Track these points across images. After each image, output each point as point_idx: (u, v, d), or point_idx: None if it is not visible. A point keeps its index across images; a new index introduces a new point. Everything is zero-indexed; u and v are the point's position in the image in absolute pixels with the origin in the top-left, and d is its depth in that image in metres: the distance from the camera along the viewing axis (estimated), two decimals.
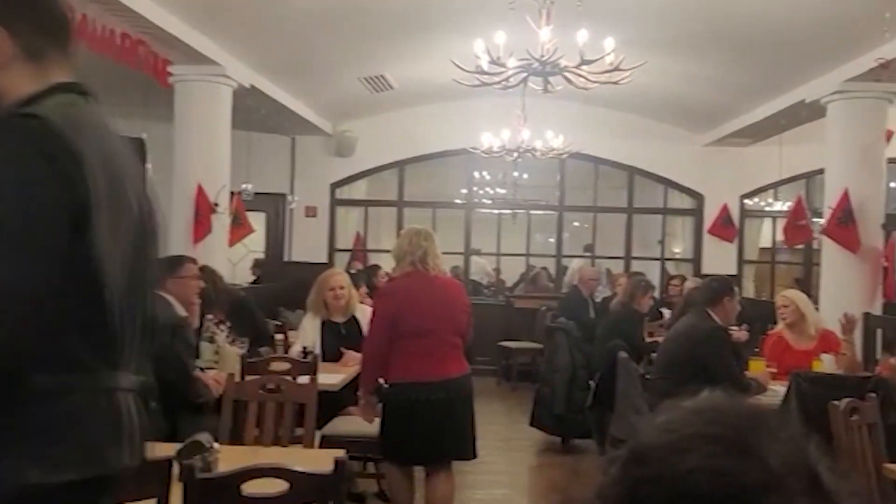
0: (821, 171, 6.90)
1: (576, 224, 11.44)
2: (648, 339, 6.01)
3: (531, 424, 6.06)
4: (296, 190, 9.76)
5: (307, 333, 4.57)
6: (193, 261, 4.15)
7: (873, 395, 3.29)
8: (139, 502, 1.87)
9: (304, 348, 4.43)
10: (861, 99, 6.13)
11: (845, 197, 6.10)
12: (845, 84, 6.05)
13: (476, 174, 10.38)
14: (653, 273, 9.76)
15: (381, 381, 3.74)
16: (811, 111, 6.77)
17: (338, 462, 2.02)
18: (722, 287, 4.32)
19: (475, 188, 10.58)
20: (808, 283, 8.94)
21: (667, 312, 6.77)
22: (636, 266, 9.54)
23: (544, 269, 10.56)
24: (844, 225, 6.10)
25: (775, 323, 5.01)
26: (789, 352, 4.74)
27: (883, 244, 6.42)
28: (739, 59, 6.57)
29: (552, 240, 10.42)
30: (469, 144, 7.68)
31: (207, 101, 6.47)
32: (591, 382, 5.39)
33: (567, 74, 4.65)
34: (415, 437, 3.62)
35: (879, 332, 6.21)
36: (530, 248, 10.35)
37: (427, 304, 3.66)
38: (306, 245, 9.72)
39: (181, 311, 3.81)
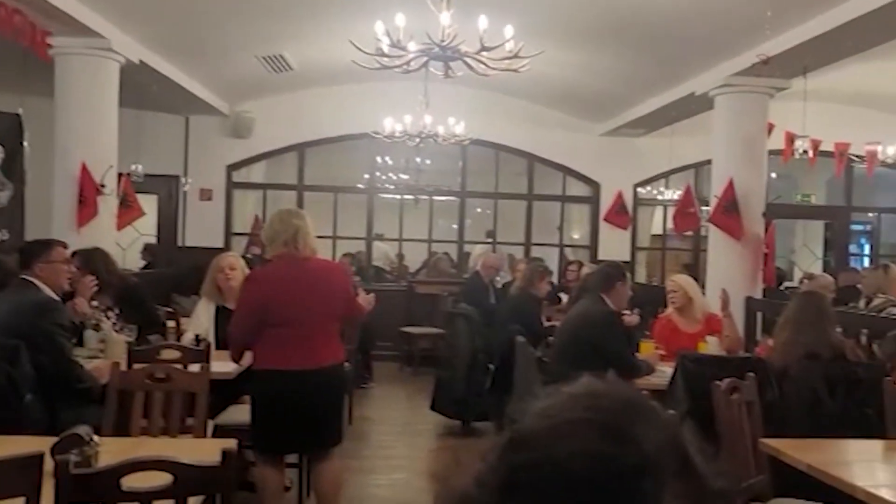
0: (708, 162, 7.23)
1: (478, 210, 11.55)
2: (547, 324, 6.14)
3: (432, 408, 6.10)
4: (190, 172, 9.41)
5: (200, 320, 4.41)
6: (63, 245, 3.92)
7: (752, 374, 3.46)
8: (7, 500, 1.75)
9: (197, 336, 4.27)
10: (745, 93, 6.44)
11: (730, 186, 6.40)
12: (731, 78, 6.34)
13: (378, 159, 10.30)
14: (552, 259, 9.99)
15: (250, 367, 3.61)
16: (700, 103, 7.07)
17: (225, 453, 1.95)
18: (615, 273, 4.45)
19: (377, 173, 10.49)
20: (696, 269, 9.35)
21: (565, 297, 6.95)
22: (536, 252, 9.75)
23: (446, 254, 10.62)
24: (729, 213, 6.41)
25: (665, 307, 5.21)
26: (677, 334, 4.94)
27: (764, 232, 6.80)
28: (633, 51, 6.78)
29: (455, 226, 10.48)
30: (371, 129, 7.60)
31: (91, 77, 6.12)
32: (491, 366, 5.46)
33: (467, 60, 4.66)
34: (284, 427, 3.48)
35: (760, 315, 6.57)
36: (433, 234, 10.38)
37: (298, 291, 3.47)
38: (201, 229, 9.40)
39: (52, 296, 3.61)
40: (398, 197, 10.71)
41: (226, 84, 8.58)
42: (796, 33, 5.31)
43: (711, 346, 4.62)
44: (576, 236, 10.50)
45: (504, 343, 4.91)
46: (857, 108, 8.71)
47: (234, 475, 2.13)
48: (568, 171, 10.02)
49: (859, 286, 7.46)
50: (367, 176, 10.22)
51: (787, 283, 9.89)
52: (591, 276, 5.00)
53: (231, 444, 2.68)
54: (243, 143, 9.46)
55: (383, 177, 10.93)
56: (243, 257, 5.24)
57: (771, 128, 6.65)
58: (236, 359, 3.65)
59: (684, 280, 5.21)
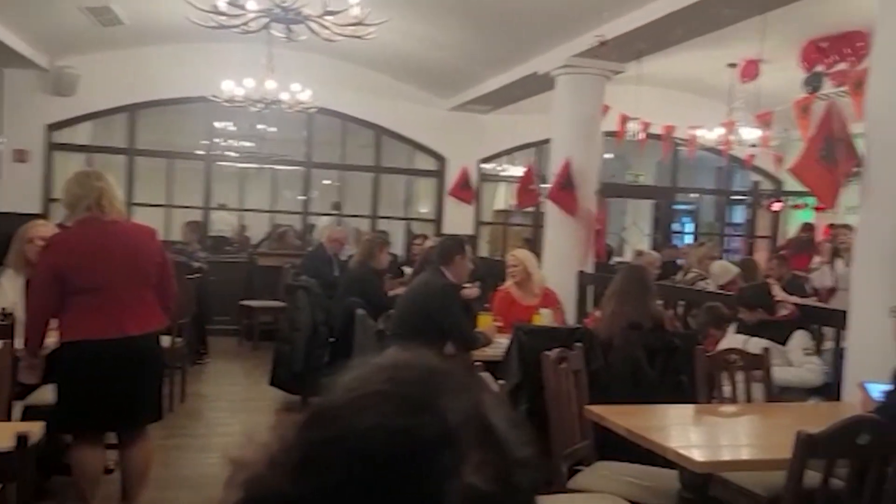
0: (549, 141, 7.47)
1: (326, 182, 11.34)
2: (392, 293, 6.12)
3: (271, 384, 5.93)
4: (4, 131, 8.53)
5: (6, 293, 3.99)
6: None
7: (579, 344, 3.61)
8: None
9: (3, 309, 3.87)
10: (584, 75, 6.69)
11: (567, 165, 6.65)
12: (571, 59, 6.56)
13: (218, 124, 9.82)
14: (398, 232, 10.01)
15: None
16: (543, 83, 7.27)
17: (20, 437, 1.76)
18: (454, 247, 4.49)
19: (218, 139, 10.01)
20: (536, 244, 9.70)
21: (410, 271, 6.97)
22: (383, 225, 9.72)
23: (290, 227, 10.37)
24: (565, 190, 6.66)
25: (506, 280, 5.34)
26: (515, 307, 5.08)
27: (596, 209, 7.14)
28: (480, 27, 6.85)
29: (300, 197, 10.23)
30: (209, 92, 7.21)
31: None
32: (333, 340, 5.38)
33: (311, 24, 4.50)
34: (87, 402, 3.25)
35: (591, 288, 6.91)
36: (277, 205, 10.06)
37: (103, 256, 3.27)
38: (16, 193, 8.55)
39: None
40: (240, 165, 10.29)
41: (46, 36, 7.81)
42: (632, 18, 5.56)
43: (545, 318, 4.80)
44: (424, 210, 10.56)
45: (343, 316, 4.84)
46: (684, 94, 9.32)
47: (31, 461, 1.93)
48: (415, 145, 10.03)
49: (680, 261, 8.06)
50: (205, 142, 9.72)
51: (617, 259, 10.51)
52: (432, 249, 5.04)
53: (35, 427, 2.45)
54: (66, 102, 8.68)
55: (224, 143, 10.44)
56: (60, 225, 4.80)
57: (606, 109, 6.95)
58: (32, 336, 3.32)
59: (524, 255, 5.36)
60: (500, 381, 2.68)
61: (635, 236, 12.21)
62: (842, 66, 6.83)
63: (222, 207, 9.95)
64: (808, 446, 2.12)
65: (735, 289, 6.40)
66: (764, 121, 6.90)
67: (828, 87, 6.93)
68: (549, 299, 5.18)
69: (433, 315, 4.34)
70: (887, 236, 3.70)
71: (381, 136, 9.89)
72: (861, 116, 3.97)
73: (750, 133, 7.32)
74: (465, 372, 0.76)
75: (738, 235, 11.73)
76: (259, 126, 9.48)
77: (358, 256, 6.13)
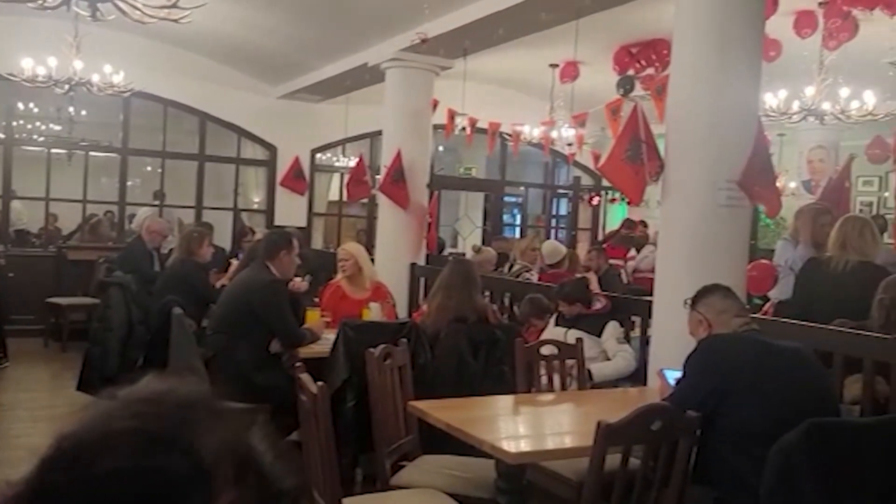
0: (381, 132, 7.46)
1: (148, 169, 10.66)
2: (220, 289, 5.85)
3: (79, 389, 5.48)
4: None
5: None
6: None
7: (405, 339, 3.64)
8: None
9: None
10: (413, 69, 6.74)
11: (398, 157, 6.67)
12: (400, 53, 6.58)
13: (20, 105, 8.94)
14: (226, 223, 9.61)
15: None
16: (373, 75, 7.24)
17: None
18: (279, 241, 4.37)
19: (20, 121, 9.11)
20: (370, 235, 9.68)
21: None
22: (209, 216, 9.28)
23: (109, 213, 9.66)
24: (397, 183, 6.68)
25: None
26: (346, 301, 5.03)
27: (428, 202, 7.23)
28: (308, 15, 6.70)
29: (119, 185, 9.53)
30: (6, 70, 6.54)
31: None
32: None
33: (119, 3, 4.18)
34: None
35: (423, 280, 7.00)
36: (89, 194, 9.31)
37: None
38: None
39: None
40: (46, 151, 9.42)
41: None
42: (455, 17, 5.66)
43: (374, 312, 4.79)
44: (256, 199, 10.21)
45: (158, 315, 4.57)
46: (511, 91, 9.65)
47: None
48: (243, 133, 9.66)
49: (509, 253, 8.33)
50: (3, 124, 8.81)
51: (451, 250, 10.73)
52: (257, 243, 4.87)
53: None
54: None
55: (29, 126, 9.54)
56: None
57: (435, 104, 7.04)
58: None
59: (355, 248, 5.30)
60: (320, 383, 2.61)
61: (467, 228, 12.51)
62: (650, 71, 7.34)
63: (14, 196, 8.98)
64: (607, 435, 2.26)
65: (564, 270, 6.75)
66: (579, 120, 7.28)
67: (639, 90, 7.43)
68: (379, 293, 5.16)
69: (257, 312, 4.21)
70: (686, 231, 4.03)
71: (207, 123, 9.43)
72: (663, 119, 4.27)
73: (568, 131, 7.70)
74: (224, 403, 0.72)
75: (563, 228, 12.35)
76: (70, 109, 8.73)
77: (178, 251, 5.81)
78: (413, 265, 6.88)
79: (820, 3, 5.93)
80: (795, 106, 6.39)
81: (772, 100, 6.35)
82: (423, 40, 5.40)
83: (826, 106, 6.33)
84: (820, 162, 9.55)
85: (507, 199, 12.92)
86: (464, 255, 8.73)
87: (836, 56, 6.06)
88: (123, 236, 9.06)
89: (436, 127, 7.49)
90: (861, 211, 11.46)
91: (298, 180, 9.72)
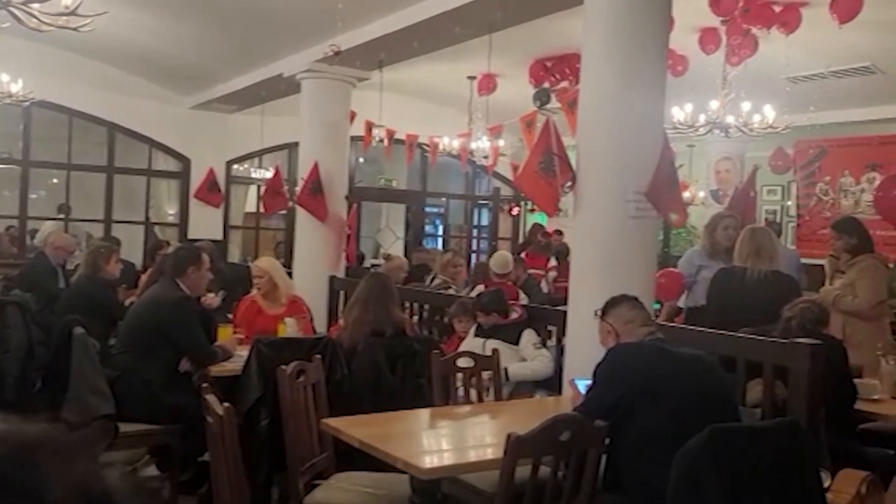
0: (298, 143, 7.36)
1: (54, 181, 10.21)
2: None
3: None
4: None
5: None
6: None
7: (319, 355, 3.57)
8: None
9: None
10: (329, 80, 6.68)
11: (315, 169, 6.59)
12: (315, 64, 6.51)
13: None
14: (137, 238, 9.29)
15: None
16: (289, 86, 7.14)
17: None
18: (188, 257, 4.24)
19: None
20: (289, 248, 9.52)
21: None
22: (119, 230, 8.95)
23: (11, 228, 9.19)
24: (314, 195, 6.60)
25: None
26: (261, 316, 4.91)
27: (346, 213, 7.17)
28: (218, 24, 6.57)
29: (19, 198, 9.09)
30: None
31: None
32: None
33: (13, 10, 3.99)
34: None
35: (342, 293, 6.92)
36: None
37: None
38: None
39: None
40: None
41: None
42: (371, 29, 5.65)
43: (289, 327, 4.70)
44: (171, 212, 9.90)
45: (59, 335, 4.36)
46: (429, 102, 9.69)
47: None
48: (154, 144, 9.38)
49: (430, 265, 8.33)
50: None
51: (372, 261, 10.67)
52: (165, 259, 4.71)
53: None
54: None
55: None
56: None
57: (353, 115, 7.00)
58: None
59: (268, 264, 5.17)
60: (226, 404, 2.54)
61: (389, 239, 12.47)
62: (564, 84, 7.50)
63: None
64: (517, 447, 2.27)
65: (511, 278, 6.79)
66: (495, 132, 7.37)
67: (555, 103, 7.58)
68: (296, 307, 5.06)
69: (165, 330, 4.07)
70: (597, 242, 4.11)
71: (116, 134, 9.11)
72: (574, 132, 4.36)
73: (485, 143, 7.78)
74: (75, 441, 0.68)
75: (485, 238, 12.46)
76: None
77: (83, 268, 5.57)
78: (332, 278, 6.80)
79: (722, 21, 6.18)
80: (702, 119, 6.63)
81: (679, 113, 6.57)
82: (336, 52, 5.37)
83: (730, 119, 6.59)
84: (727, 172, 9.95)
85: (428, 209, 12.96)
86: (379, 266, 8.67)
87: (739, 72, 6.33)
88: (25, 252, 8.63)
89: (354, 138, 7.45)
90: (766, 219, 12.04)
91: (213, 192, 9.49)
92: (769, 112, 6.46)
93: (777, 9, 5.69)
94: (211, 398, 2.58)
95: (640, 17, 4.03)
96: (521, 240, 11.94)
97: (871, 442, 4.14)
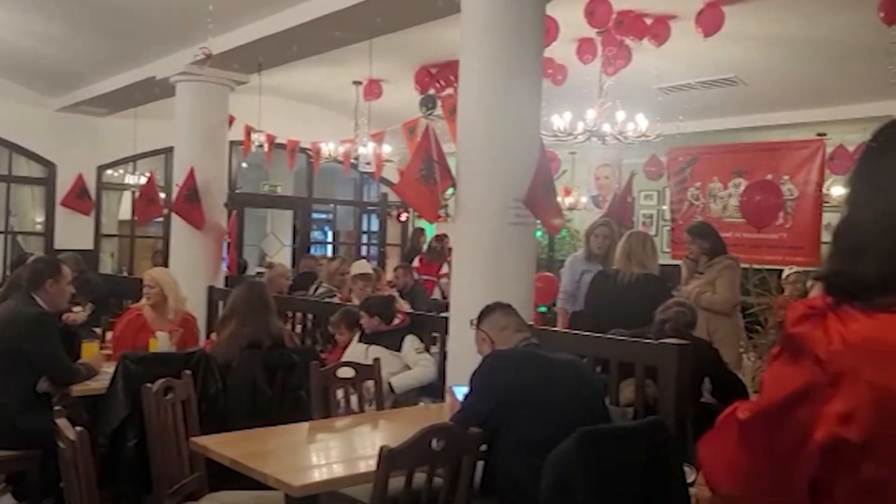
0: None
1: None
2: None
3: None
4: None
5: None
6: None
7: (189, 371, 3.41)
8: None
9: None
10: (205, 83, 6.43)
11: (191, 175, 6.34)
12: (190, 66, 6.26)
13: None
14: None
15: None
16: (163, 88, 6.84)
17: None
18: (45, 270, 3.95)
19: None
20: (166, 257, 9.10)
21: None
22: None
23: None
24: (190, 202, 6.34)
25: (136, 300, 4.80)
26: (145, 332, 4.54)
27: (226, 221, 6.93)
28: (86, 22, 6.21)
29: None
30: None
31: None
32: None
33: None
34: None
35: (222, 303, 6.68)
36: None
37: None
38: None
39: None
40: None
41: None
42: (248, 31, 5.49)
43: (161, 342, 4.45)
44: (39, 220, 9.25)
45: None
46: (315, 107, 9.53)
47: None
48: (15, 148, 8.75)
49: (317, 272, 8.16)
50: None
51: (257, 269, 10.36)
52: (21, 272, 4.37)
53: None
54: None
55: None
56: None
57: (232, 119, 6.78)
58: None
59: (162, 274, 4.83)
60: (79, 428, 2.37)
61: (274, 246, 12.18)
62: (450, 91, 7.54)
63: None
64: (389, 459, 2.23)
65: (399, 285, 6.70)
66: (377, 138, 7.32)
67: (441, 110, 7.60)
68: (187, 325, 4.73)
69: (22, 349, 3.77)
70: (478, 248, 4.14)
71: None
72: (455, 139, 4.38)
73: (367, 148, 7.72)
74: None
75: (374, 244, 12.37)
76: None
77: None
78: (211, 288, 6.55)
79: (598, 32, 6.38)
80: (580, 127, 6.82)
81: (559, 121, 6.73)
82: (207, 55, 5.17)
83: (606, 127, 6.81)
84: (605, 179, 10.31)
85: (316, 216, 12.75)
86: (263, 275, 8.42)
87: (614, 81, 6.55)
88: None
89: (234, 143, 7.22)
90: (644, 222, 12.56)
91: (83, 199, 8.95)
92: (642, 121, 6.72)
93: (648, 21, 5.92)
94: (62, 422, 2.40)
95: (515, 26, 4.10)
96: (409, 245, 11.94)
97: None
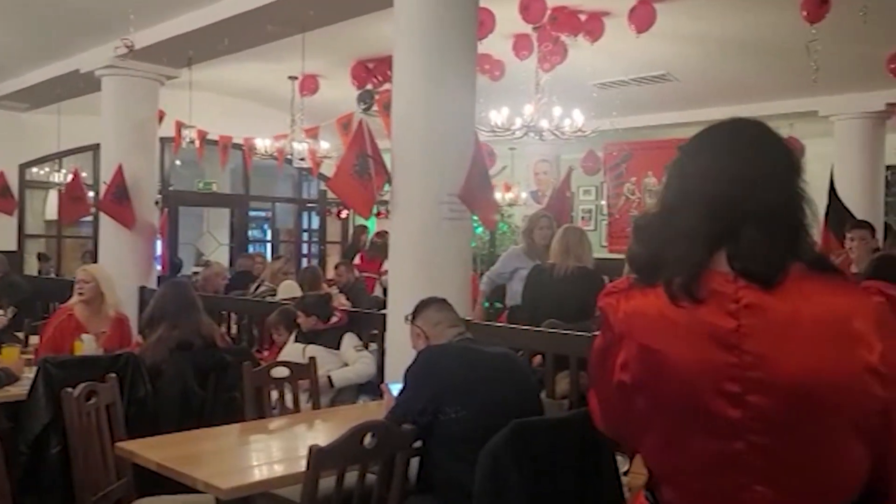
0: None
1: None
2: None
3: None
4: None
5: None
6: None
7: (114, 375, 3.29)
8: None
9: None
10: (133, 77, 6.24)
11: (120, 172, 6.14)
12: (116, 60, 6.05)
13: None
14: None
15: None
16: (88, 82, 6.60)
17: None
18: None
19: None
20: (96, 257, 8.79)
21: None
22: None
23: None
24: (119, 200, 6.14)
25: (65, 301, 4.58)
26: (79, 332, 4.35)
27: (158, 220, 6.74)
28: (7, 12, 5.93)
29: None
30: None
31: None
32: None
33: None
34: None
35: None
36: None
37: None
38: None
39: None
40: None
41: None
42: (176, 24, 5.33)
43: (87, 345, 4.28)
44: None
45: None
46: (250, 103, 9.35)
47: None
48: None
49: (254, 271, 8.01)
50: None
51: (194, 269, 10.12)
52: None
53: None
54: None
55: None
56: None
57: (162, 115, 6.59)
58: None
59: (99, 271, 4.60)
60: None
61: (210, 245, 11.92)
62: (387, 86, 7.48)
63: None
64: (319, 459, 2.18)
65: (341, 283, 6.58)
66: (311, 134, 7.22)
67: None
68: (121, 329, 4.54)
69: None
70: (413, 244, 4.11)
71: None
72: (390, 134, 4.33)
73: (301, 144, 7.60)
74: None
75: (315, 242, 12.21)
76: None
77: None
78: (142, 289, 6.36)
79: (533, 28, 6.42)
80: (518, 123, 6.85)
81: (497, 117, 6.75)
82: (129, 47, 5.01)
83: (544, 123, 6.86)
84: (544, 174, 10.41)
85: (255, 214, 12.53)
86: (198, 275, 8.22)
87: (551, 77, 6.60)
88: None
89: (165, 140, 7.02)
90: (583, 217, 12.74)
91: (5, 198, 8.59)
92: (578, 116, 6.79)
93: (582, 17, 5.98)
94: None
95: (448, 20, 4.08)
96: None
97: None
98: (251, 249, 10.67)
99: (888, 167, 7.87)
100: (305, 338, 4.52)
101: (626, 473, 2.90)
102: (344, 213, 11.49)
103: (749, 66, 7.02)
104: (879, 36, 5.68)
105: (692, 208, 1.23)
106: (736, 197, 1.20)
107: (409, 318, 3.04)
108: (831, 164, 7.20)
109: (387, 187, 4.20)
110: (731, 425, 1.15)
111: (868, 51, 6.12)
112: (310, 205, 12.13)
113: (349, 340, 4.50)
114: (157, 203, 6.59)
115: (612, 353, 1.24)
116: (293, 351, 4.46)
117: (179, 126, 6.93)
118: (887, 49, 6.20)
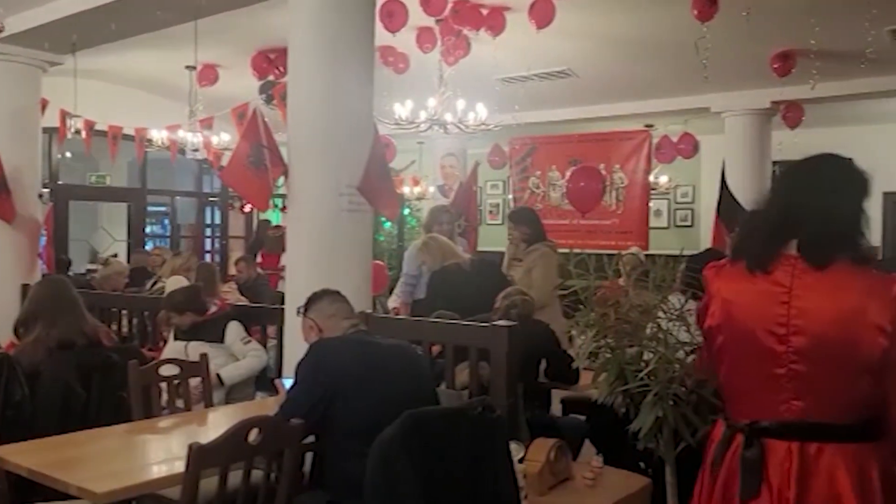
0: None
1: None
2: None
3: None
4: None
5: None
6: None
7: None
8: None
9: None
10: (10, 62, 5.86)
11: None
12: None
13: None
14: None
15: None
16: None
17: None
18: None
19: None
20: None
21: None
22: None
23: None
24: None
25: None
26: None
27: (45, 214, 6.37)
28: None
29: None
30: None
31: None
32: None
33: None
34: None
35: None
36: None
37: None
38: None
39: None
40: None
41: None
42: (56, 7, 5.03)
43: None
44: None
45: None
46: (146, 94, 8.98)
47: None
48: None
49: (149, 268, 7.69)
50: None
51: (88, 266, 9.65)
52: None
53: None
54: None
55: None
56: None
57: (45, 104, 6.22)
58: None
59: None
60: None
61: (105, 241, 11.40)
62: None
63: None
64: (200, 457, 2.10)
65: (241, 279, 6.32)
66: (205, 124, 6.99)
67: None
68: None
69: None
70: (311, 236, 4.03)
71: None
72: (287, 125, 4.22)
73: (196, 136, 7.35)
74: None
75: (218, 237, 11.84)
76: None
77: None
78: (25, 287, 5.98)
79: (437, 21, 6.41)
80: (422, 116, 6.83)
81: (401, 110, 6.71)
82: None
83: (448, 117, 6.87)
84: (451, 168, 10.43)
85: (154, 208, 12.06)
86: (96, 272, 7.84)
87: (455, 71, 6.61)
88: None
89: (49, 130, 6.64)
90: (490, 211, 12.86)
91: None
92: (482, 110, 6.83)
93: (484, 11, 6.01)
94: None
95: (345, 11, 4.00)
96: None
97: (571, 410, 4.54)
98: (150, 245, 10.24)
99: (775, 163, 8.27)
100: (185, 335, 4.35)
101: (521, 461, 2.93)
102: (248, 208, 11.19)
103: (645, 63, 7.23)
104: (763, 36, 5.95)
105: (774, 209, 1.80)
106: (805, 204, 1.73)
107: (301, 310, 2.97)
108: (723, 159, 7.52)
109: (281, 180, 4.10)
110: (776, 356, 1.69)
111: (754, 50, 6.41)
112: (212, 199, 11.75)
113: (235, 330, 4.35)
114: (40, 196, 6.22)
115: (707, 305, 1.83)
116: (174, 350, 4.30)
117: (64, 115, 6.56)
118: (771, 48, 6.52)
